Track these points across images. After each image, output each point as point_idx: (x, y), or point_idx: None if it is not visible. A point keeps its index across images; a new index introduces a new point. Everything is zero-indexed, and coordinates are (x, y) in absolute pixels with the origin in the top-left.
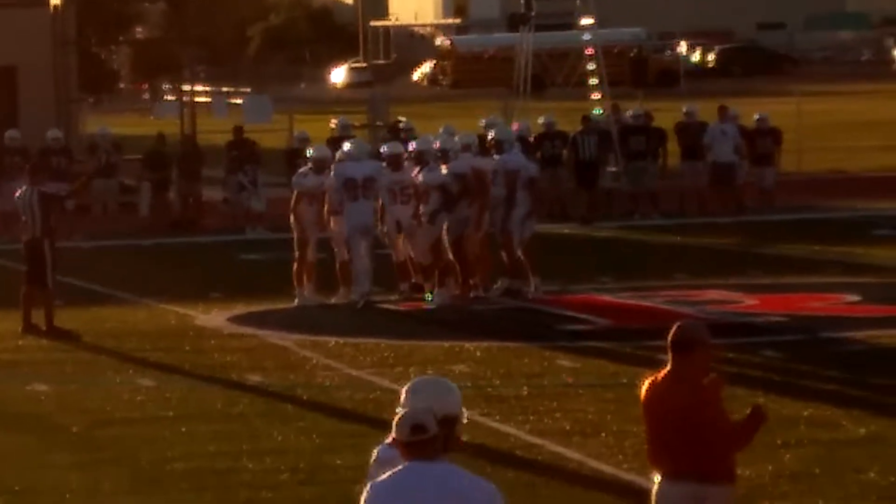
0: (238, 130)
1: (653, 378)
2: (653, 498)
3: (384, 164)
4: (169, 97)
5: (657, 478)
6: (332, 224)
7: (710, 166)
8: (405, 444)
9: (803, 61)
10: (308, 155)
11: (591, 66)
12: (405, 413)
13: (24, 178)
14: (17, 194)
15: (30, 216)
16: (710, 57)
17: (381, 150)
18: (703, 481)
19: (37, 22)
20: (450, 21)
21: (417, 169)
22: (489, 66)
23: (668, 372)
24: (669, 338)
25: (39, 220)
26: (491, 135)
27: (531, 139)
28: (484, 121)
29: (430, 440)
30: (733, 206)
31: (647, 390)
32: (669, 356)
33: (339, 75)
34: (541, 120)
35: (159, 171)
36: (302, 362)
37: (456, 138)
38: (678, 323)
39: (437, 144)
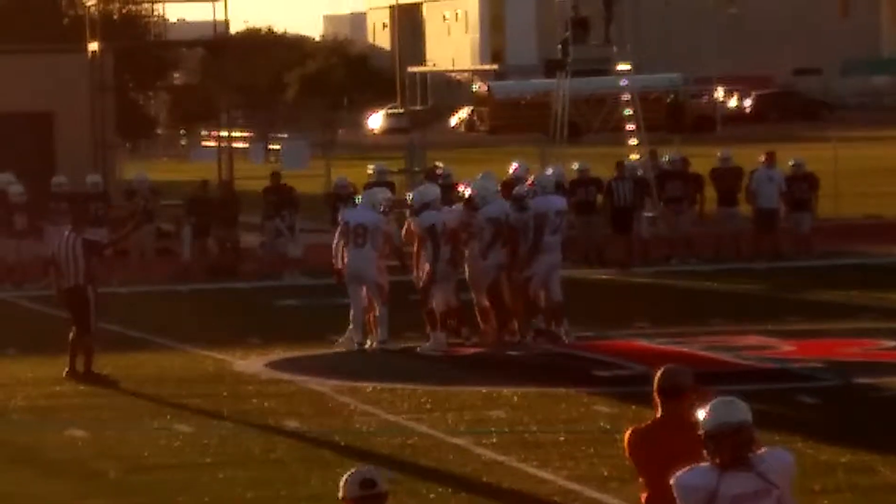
0: (276, 176)
1: (641, 427)
2: None
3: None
4: (206, 143)
5: None
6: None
7: (755, 212)
8: (354, 500)
9: (839, 107)
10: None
11: (627, 112)
12: (354, 471)
13: (67, 225)
14: (59, 241)
15: (72, 263)
16: (747, 102)
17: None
18: None
19: (75, 68)
20: (487, 67)
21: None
22: (526, 111)
23: (661, 419)
24: (656, 384)
25: (83, 266)
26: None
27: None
28: (515, 165)
29: (378, 496)
30: (770, 252)
31: (639, 439)
32: (658, 402)
33: (376, 121)
34: (575, 166)
35: (201, 217)
36: (339, 408)
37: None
38: (663, 368)
39: (472, 191)
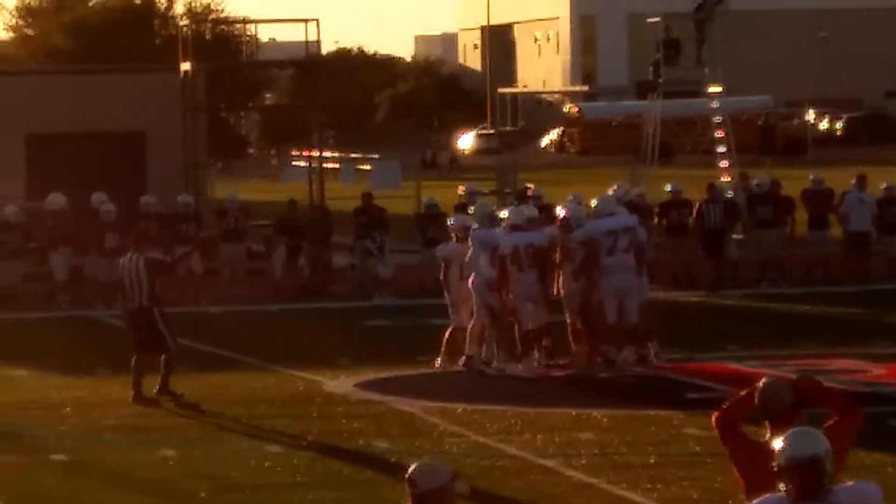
0: (367, 197)
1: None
2: None
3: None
4: (297, 163)
5: None
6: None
7: (846, 235)
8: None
9: None
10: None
11: (718, 134)
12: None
13: (130, 245)
14: (123, 262)
15: (136, 283)
16: (838, 125)
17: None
18: None
19: (167, 87)
20: (577, 88)
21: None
22: (617, 133)
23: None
24: (757, 402)
25: (147, 287)
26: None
27: (653, 206)
28: (615, 187)
29: (422, 496)
30: (861, 275)
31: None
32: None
33: (466, 141)
34: (667, 188)
35: (291, 237)
36: (429, 429)
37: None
38: (761, 385)
39: (566, 212)
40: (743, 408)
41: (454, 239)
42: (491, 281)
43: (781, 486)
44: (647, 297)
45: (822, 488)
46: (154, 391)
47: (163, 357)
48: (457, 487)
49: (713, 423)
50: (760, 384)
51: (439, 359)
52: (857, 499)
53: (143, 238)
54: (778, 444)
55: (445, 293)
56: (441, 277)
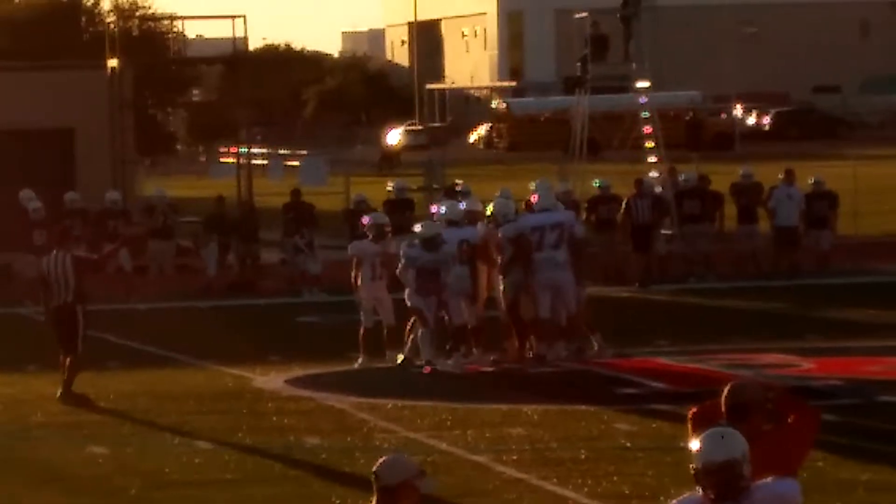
0: (296, 193)
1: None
2: None
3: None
4: (225, 159)
5: None
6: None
7: (774, 230)
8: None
9: (859, 125)
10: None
11: (647, 129)
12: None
13: (53, 243)
14: (48, 259)
15: (62, 281)
16: (766, 120)
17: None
18: None
19: (95, 84)
20: (505, 84)
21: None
22: (545, 128)
23: None
24: (723, 401)
25: (73, 284)
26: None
27: (580, 202)
28: (533, 184)
29: (385, 489)
30: (789, 269)
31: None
32: (729, 419)
33: (394, 137)
34: (596, 183)
35: (220, 234)
36: (359, 425)
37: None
38: (729, 385)
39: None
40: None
41: (369, 237)
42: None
43: (698, 489)
44: (585, 292)
45: (738, 491)
46: (57, 395)
47: (68, 359)
48: (424, 484)
49: (689, 417)
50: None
51: (360, 358)
52: (773, 495)
53: (65, 236)
54: (695, 445)
55: (355, 292)
56: (352, 275)
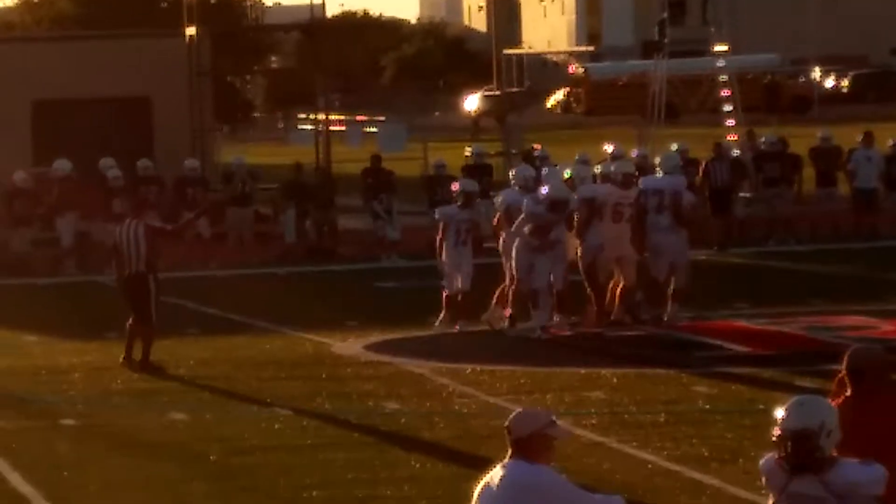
0: (376, 159)
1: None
2: None
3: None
4: (303, 126)
5: None
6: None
7: (853, 192)
8: None
9: None
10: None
11: (724, 93)
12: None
13: (128, 211)
14: (121, 228)
15: (134, 250)
16: (844, 82)
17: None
18: None
19: (172, 52)
20: (583, 49)
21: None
22: (623, 93)
23: (848, 399)
24: (844, 364)
25: (144, 253)
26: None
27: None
28: (610, 147)
29: (516, 441)
30: (868, 232)
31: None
32: (848, 383)
33: (472, 103)
34: (674, 147)
35: (298, 201)
36: (438, 390)
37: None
38: (850, 350)
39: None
40: None
41: (457, 203)
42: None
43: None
44: (685, 259)
45: (815, 461)
46: (120, 359)
47: (144, 329)
48: (556, 432)
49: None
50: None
51: (441, 315)
52: (854, 476)
53: (140, 205)
54: (780, 412)
55: (439, 256)
56: (437, 240)
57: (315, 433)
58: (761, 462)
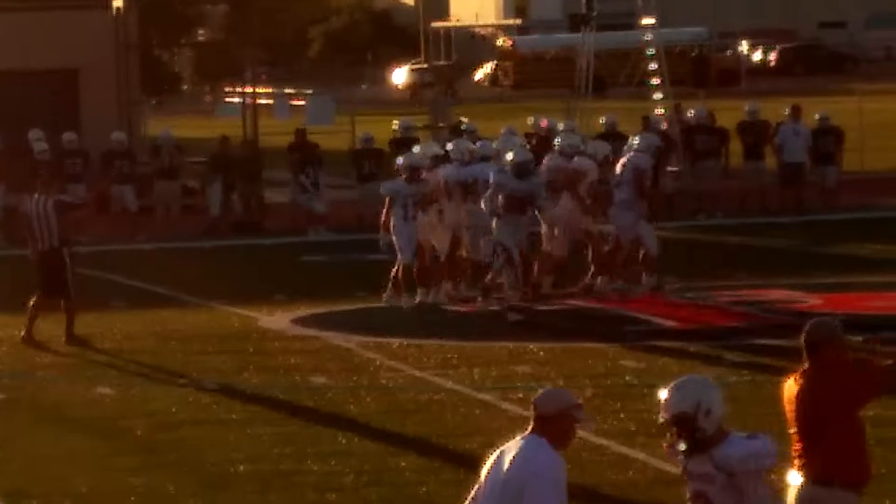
0: (300, 133)
1: (792, 377)
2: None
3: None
4: (231, 99)
5: (796, 479)
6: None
7: (781, 166)
8: None
9: (864, 60)
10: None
11: (652, 66)
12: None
13: (38, 186)
14: (31, 204)
15: (45, 226)
16: (772, 56)
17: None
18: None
19: (99, 24)
20: (511, 22)
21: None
22: (551, 66)
23: (804, 371)
24: (802, 337)
25: (56, 228)
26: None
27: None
28: (532, 119)
29: (538, 418)
30: (796, 206)
31: (786, 389)
32: (804, 355)
33: (400, 76)
34: (602, 120)
35: (224, 174)
36: (366, 364)
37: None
38: (810, 321)
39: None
40: None
41: (402, 177)
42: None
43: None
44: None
45: (699, 442)
46: (63, 340)
47: (63, 303)
48: (580, 415)
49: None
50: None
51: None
52: (741, 450)
53: (49, 180)
54: (662, 394)
55: (385, 230)
56: (383, 214)
57: (242, 408)
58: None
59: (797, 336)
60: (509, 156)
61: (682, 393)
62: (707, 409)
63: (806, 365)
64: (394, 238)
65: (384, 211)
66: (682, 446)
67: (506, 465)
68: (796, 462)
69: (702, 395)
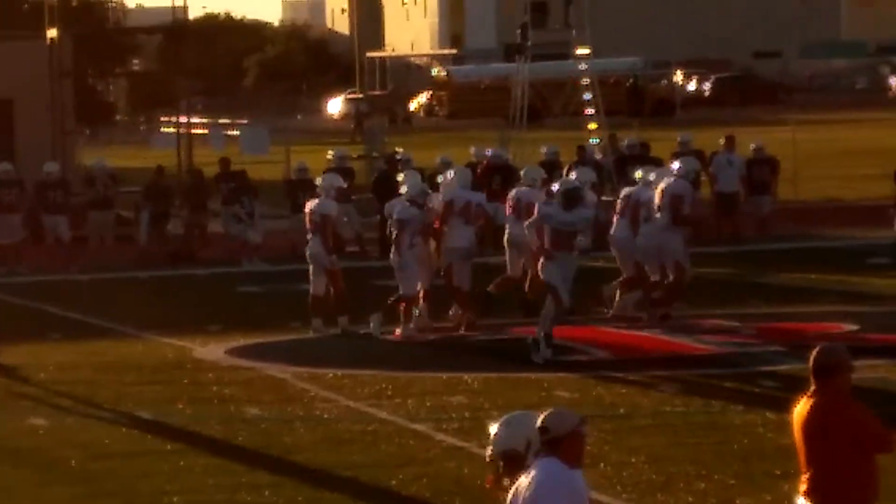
0: (224, 163)
1: (801, 401)
2: None
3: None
4: (166, 129)
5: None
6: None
7: (715, 196)
8: None
9: (799, 90)
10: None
11: (587, 96)
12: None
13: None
14: None
15: None
16: (706, 86)
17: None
18: None
19: (33, 54)
20: (446, 51)
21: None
22: (485, 96)
23: (811, 396)
24: (811, 363)
25: None
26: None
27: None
28: (474, 149)
29: (547, 442)
30: (730, 235)
31: (796, 414)
32: (812, 380)
33: (335, 106)
34: (543, 149)
35: (158, 204)
36: (300, 394)
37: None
38: (819, 346)
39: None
40: None
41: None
42: None
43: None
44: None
45: (521, 470)
46: None
47: None
48: (587, 431)
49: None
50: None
51: (399, 328)
52: (529, 484)
53: None
54: (492, 429)
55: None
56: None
57: (176, 438)
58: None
59: (733, 366)
60: (556, 186)
61: (513, 430)
62: (536, 448)
63: (813, 389)
64: (403, 267)
65: (395, 234)
66: (506, 482)
67: (524, 489)
68: (802, 488)
69: (531, 433)
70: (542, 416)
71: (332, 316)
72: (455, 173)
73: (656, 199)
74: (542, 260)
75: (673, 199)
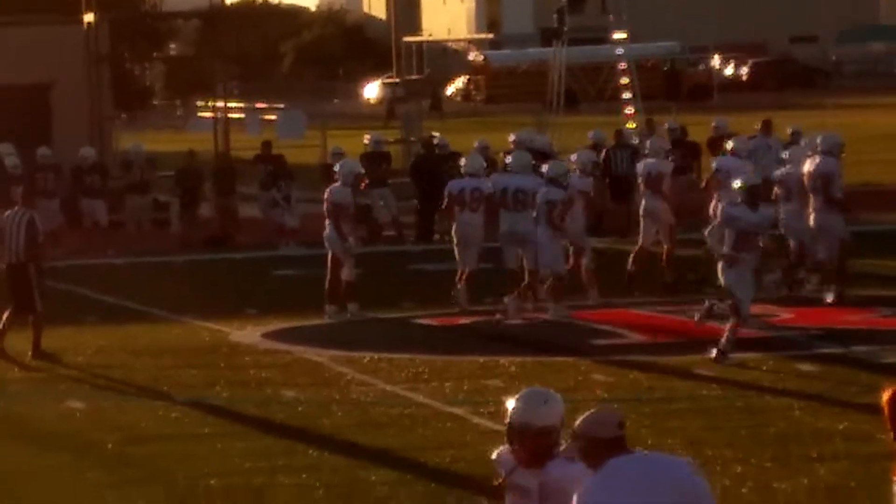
0: (266, 145)
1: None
2: None
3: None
4: (202, 113)
5: None
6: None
7: None
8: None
9: (836, 74)
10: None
11: (624, 81)
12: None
13: (19, 200)
14: (9, 215)
15: (14, 239)
16: (744, 70)
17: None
18: None
19: (71, 39)
20: (483, 36)
21: None
22: (522, 80)
23: None
24: None
25: (23, 243)
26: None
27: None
28: (513, 136)
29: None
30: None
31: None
32: None
33: (372, 91)
34: (590, 134)
35: (190, 188)
36: (337, 378)
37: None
38: None
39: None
40: None
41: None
42: None
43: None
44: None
45: (535, 457)
46: (28, 356)
47: (31, 318)
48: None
49: (885, 402)
50: None
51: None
52: (555, 479)
53: (30, 194)
54: (513, 401)
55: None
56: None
57: (213, 422)
58: (496, 454)
59: (771, 349)
60: (736, 182)
61: (549, 405)
62: (552, 426)
63: None
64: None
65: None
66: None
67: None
68: None
69: (563, 413)
70: (584, 418)
71: (344, 303)
72: (514, 157)
73: (805, 180)
74: (720, 265)
75: (825, 179)
